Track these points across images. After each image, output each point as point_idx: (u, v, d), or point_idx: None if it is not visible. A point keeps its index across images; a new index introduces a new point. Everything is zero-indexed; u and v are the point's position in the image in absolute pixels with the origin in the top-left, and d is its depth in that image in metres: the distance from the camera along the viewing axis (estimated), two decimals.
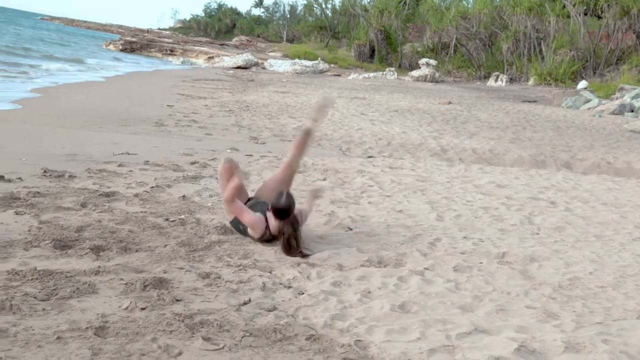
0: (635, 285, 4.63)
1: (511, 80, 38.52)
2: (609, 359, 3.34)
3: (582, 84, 30.19)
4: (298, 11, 69.21)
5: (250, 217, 4.98)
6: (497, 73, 39.24)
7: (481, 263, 4.97)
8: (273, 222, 4.96)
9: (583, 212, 7.13)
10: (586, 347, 3.48)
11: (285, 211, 4.91)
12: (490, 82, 38.24)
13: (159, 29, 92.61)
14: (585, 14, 39.05)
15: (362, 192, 7.34)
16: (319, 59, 42.75)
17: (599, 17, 38.81)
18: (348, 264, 4.71)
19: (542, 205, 7.34)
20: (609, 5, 36.35)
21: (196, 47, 48.34)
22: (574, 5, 37.80)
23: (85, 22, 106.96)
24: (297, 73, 36.92)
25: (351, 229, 5.71)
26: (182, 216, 5.55)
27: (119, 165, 7.46)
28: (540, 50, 38.97)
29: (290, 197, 4.99)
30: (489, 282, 4.56)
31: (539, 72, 36.75)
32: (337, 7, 57.94)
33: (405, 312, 3.91)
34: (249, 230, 5.04)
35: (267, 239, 5.04)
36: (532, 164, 11.12)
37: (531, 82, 36.94)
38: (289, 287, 4.18)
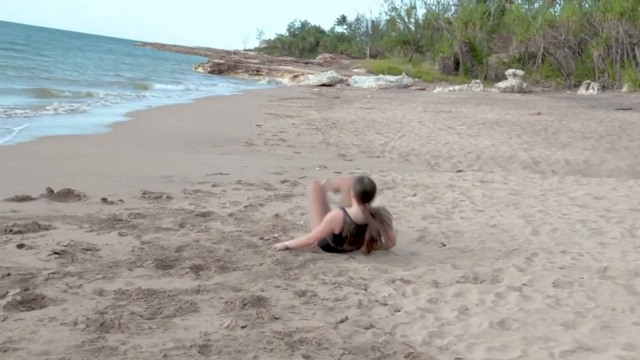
0: None
1: (603, 87, 37.24)
2: None
3: None
4: (381, 26, 69.32)
5: (327, 216, 5.23)
6: (587, 81, 38.04)
7: (582, 278, 4.82)
8: (356, 210, 5.20)
9: None
10: None
11: (369, 193, 5.19)
12: (581, 91, 37.09)
13: (245, 49, 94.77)
14: None
15: (453, 207, 7.26)
16: (403, 73, 42.66)
17: None
18: (443, 281, 4.66)
19: None
20: None
21: (281, 67, 49.19)
22: None
23: (175, 46, 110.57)
24: (381, 88, 36.96)
25: (445, 245, 5.66)
26: (276, 235, 5.64)
27: (213, 186, 7.67)
28: (635, 56, 37.53)
29: (372, 180, 5.34)
30: (592, 297, 4.42)
31: (634, 79, 35.38)
32: (420, 21, 57.72)
33: (505, 329, 3.83)
34: (330, 233, 5.19)
35: (352, 231, 5.15)
36: (631, 174, 10.71)
37: (625, 89, 35.60)
38: (385, 304, 4.18)
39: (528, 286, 4.61)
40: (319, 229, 5.25)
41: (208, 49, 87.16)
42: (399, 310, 4.06)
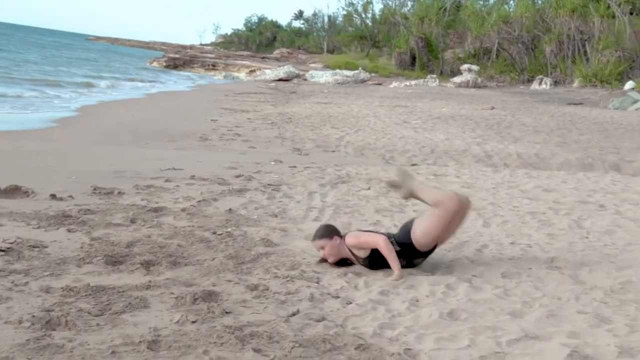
0: None
1: (555, 83, 37.97)
2: None
3: (630, 84, 29.56)
4: (338, 21, 69.45)
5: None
6: (540, 76, 38.74)
7: (530, 269, 4.91)
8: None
9: (634, 214, 6.99)
10: None
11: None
12: (534, 86, 37.75)
13: (201, 44, 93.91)
14: (631, 13, 38.36)
15: (407, 201, 7.30)
16: (360, 68, 42.81)
17: None
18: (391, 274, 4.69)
19: (591, 209, 7.22)
20: None
21: (238, 61, 48.92)
22: (619, 5, 37.16)
23: (129, 40, 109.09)
24: (338, 83, 37.04)
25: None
26: (229, 229, 5.62)
27: (166, 181, 7.60)
28: (585, 52, 38.35)
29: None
30: (539, 287, 4.50)
31: (584, 74, 36.18)
32: (377, 16, 57.98)
33: (454, 320, 3.88)
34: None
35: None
36: (580, 167, 10.94)
37: (576, 84, 36.36)
38: (337, 297, 4.20)
39: (478, 277, 4.68)
40: (367, 239, 4.76)
41: (163, 44, 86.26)
42: (351, 303, 4.08)
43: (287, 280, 4.43)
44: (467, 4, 49.16)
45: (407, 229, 4.87)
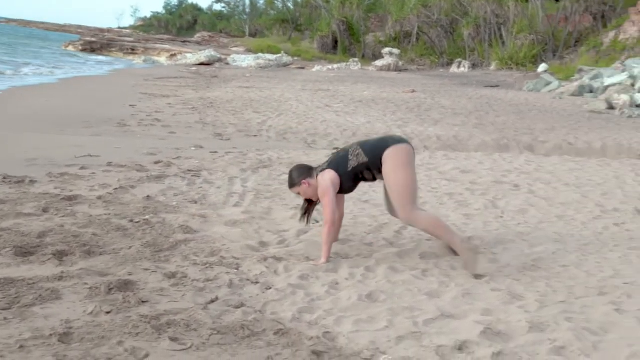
0: (596, 262, 4.72)
1: (473, 66, 38.87)
2: (572, 336, 3.39)
3: (543, 67, 30.59)
4: (259, 5, 68.91)
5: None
6: (459, 59, 39.56)
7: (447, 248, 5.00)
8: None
9: (546, 193, 7.23)
10: (550, 326, 3.54)
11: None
12: (453, 69, 38.53)
13: (119, 27, 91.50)
14: None
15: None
16: (283, 52, 42.66)
17: (557, 1, 39.30)
18: (315, 257, 4.71)
19: (506, 189, 7.42)
20: None
21: (158, 45, 47.92)
22: None
23: (43, 23, 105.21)
24: (260, 67, 36.80)
25: (317, 222, 5.71)
26: (147, 217, 5.51)
27: (81, 168, 7.37)
28: (501, 35, 39.37)
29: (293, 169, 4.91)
30: (455, 267, 4.60)
31: (501, 57, 37.16)
32: (299, 0, 57.79)
33: (373, 302, 3.93)
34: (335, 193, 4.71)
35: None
36: (496, 149, 11.23)
37: (493, 67, 37.32)
38: (257, 282, 4.18)
39: (397, 258, 4.75)
40: (324, 204, 4.65)
41: (80, 27, 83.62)
42: (270, 288, 4.07)
43: (206, 267, 4.37)
44: None
45: (378, 152, 4.65)
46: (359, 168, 4.70)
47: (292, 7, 59.04)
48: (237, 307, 3.72)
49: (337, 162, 4.74)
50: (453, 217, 6.06)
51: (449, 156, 9.82)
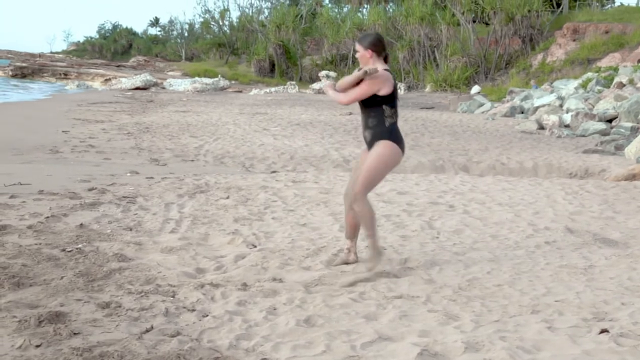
0: (529, 281, 4.82)
1: (409, 88, 39.50)
2: (506, 355, 3.45)
3: (475, 88, 31.34)
4: (196, 29, 68.63)
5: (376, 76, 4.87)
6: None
7: (384, 271, 5.04)
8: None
9: (480, 213, 7.37)
10: (485, 346, 3.59)
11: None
12: None
13: (52, 52, 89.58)
14: (474, 21, 40.63)
15: (265, 208, 7.32)
16: (220, 76, 42.50)
17: (487, 24, 40.42)
18: (252, 282, 4.68)
19: (442, 210, 7.53)
20: (494, 12, 37.95)
21: (92, 70, 47.11)
22: (462, 14, 39.29)
23: None
24: (197, 91, 36.57)
25: (255, 247, 5.69)
26: (80, 245, 5.38)
27: (11, 197, 7.16)
28: (435, 58, 40.21)
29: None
30: (393, 289, 4.64)
31: (435, 79, 37.90)
32: (235, 24, 57.80)
33: (310, 326, 3.92)
34: (371, 94, 4.91)
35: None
36: (432, 169, 11.42)
37: (428, 89, 38.03)
38: (193, 310, 4.12)
39: (336, 281, 4.75)
40: (360, 89, 4.85)
41: (10, 52, 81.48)
42: (207, 315, 4.02)
43: (141, 296, 4.29)
44: (322, 11, 50.10)
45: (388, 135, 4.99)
46: (386, 110, 4.96)
47: (228, 31, 58.97)
48: (172, 336, 3.66)
49: (395, 91, 4.99)
50: (390, 238, 6.11)
51: (385, 178, 9.88)
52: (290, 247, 5.71)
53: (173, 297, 4.33)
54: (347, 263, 5.23)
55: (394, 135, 4.99)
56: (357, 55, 5.06)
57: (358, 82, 4.92)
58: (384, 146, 4.95)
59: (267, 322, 3.95)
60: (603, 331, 3.75)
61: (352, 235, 5.28)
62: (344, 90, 5.02)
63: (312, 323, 3.97)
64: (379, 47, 5.01)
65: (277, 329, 3.84)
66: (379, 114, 4.96)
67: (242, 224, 6.56)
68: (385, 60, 5.07)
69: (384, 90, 4.89)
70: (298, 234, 6.21)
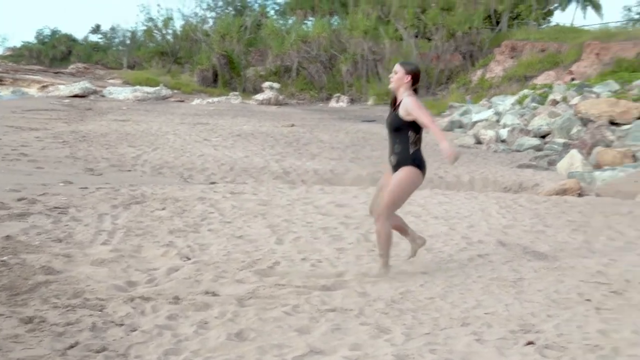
0: (460, 294, 4.88)
1: (352, 100, 39.80)
2: None
3: None
4: (138, 36, 67.69)
5: (415, 104, 5.18)
6: (338, 94, 40.42)
7: (319, 283, 5.03)
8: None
9: (416, 226, 7.40)
10: (415, 359, 3.62)
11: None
12: (332, 103, 39.30)
13: None
14: (416, 37, 41.28)
15: (202, 220, 7.24)
16: (161, 85, 41.99)
17: (429, 40, 41.12)
18: (185, 296, 4.61)
19: None
20: (437, 28, 38.69)
21: (28, 76, 45.91)
22: (405, 29, 39.90)
23: None
24: (138, 100, 36.01)
25: (189, 259, 5.61)
26: (5, 258, 5.20)
27: None
28: (378, 72, 40.64)
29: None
30: (326, 302, 4.63)
31: (378, 93, 38.28)
32: (178, 33, 57.23)
33: (242, 340, 3.88)
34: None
35: None
36: (371, 182, 11.47)
37: (370, 102, 38.39)
38: (121, 324, 4.02)
39: (270, 294, 4.72)
40: (420, 114, 5.14)
41: None
42: (136, 330, 3.94)
43: (68, 310, 4.17)
44: (267, 22, 50.10)
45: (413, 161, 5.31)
46: (411, 137, 5.29)
47: (171, 39, 58.36)
48: (98, 352, 3.57)
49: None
50: (327, 251, 6.11)
51: (325, 190, 9.93)
52: (225, 259, 5.65)
53: (101, 311, 4.23)
54: (418, 248, 5.69)
55: (417, 161, 5.31)
56: (394, 76, 5.34)
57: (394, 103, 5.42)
58: (407, 172, 5.27)
59: (198, 337, 3.89)
60: (529, 343, 3.83)
61: (405, 233, 5.65)
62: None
63: (244, 337, 3.93)
64: (417, 78, 5.37)
65: (208, 344, 3.79)
66: (405, 140, 5.29)
67: (177, 235, 6.46)
68: (415, 92, 5.35)
69: (421, 112, 5.19)
70: (234, 246, 6.15)
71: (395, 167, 5.34)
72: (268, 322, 4.17)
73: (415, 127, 5.24)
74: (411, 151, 5.28)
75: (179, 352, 3.65)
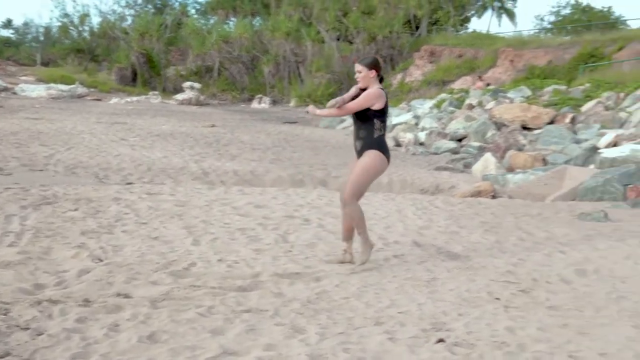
0: (375, 293, 4.94)
1: (274, 102, 39.81)
2: None
3: None
4: (53, 33, 65.61)
5: (369, 92, 5.51)
6: (260, 95, 40.34)
7: (235, 284, 5.00)
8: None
9: (334, 227, 7.47)
10: (328, 358, 3.63)
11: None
12: (254, 104, 39.19)
13: None
14: (338, 40, 41.68)
15: (116, 221, 7.07)
16: (77, 83, 40.83)
17: (351, 43, 41.59)
18: (95, 298, 4.49)
19: (297, 223, 7.59)
20: (358, 32, 39.15)
21: None
22: (327, 31, 40.19)
23: None
24: (52, 98, 34.90)
25: (101, 261, 5.47)
26: None
27: None
28: (300, 74, 40.80)
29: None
30: (242, 303, 4.60)
31: (299, 94, 38.43)
32: (95, 30, 55.77)
33: (154, 343, 3.80)
34: (364, 108, 5.51)
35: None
36: (291, 183, 11.51)
37: (292, 103, 38.49)
38: (27, 328, 3.88)
39: (185, 295, 4.65)
40: (357, 102, 5.45)
41: None
42: (42, 334, 3.80)
43: None
44: (187, 22, 49.48)
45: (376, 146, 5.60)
46: (377, 124, 5.55)
47: (88, 36, 56.83)
48: (1, 357, 3.42)
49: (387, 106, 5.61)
50: (243, 252, 6.07)
51: (244, 191, 9.88)
52: (140, 261, 5.54)
53: (5, 315, 4.06)
54: (342, 262, 5.77)
55: (381, 146, 5.59)
56: (360, 75, 5.59)
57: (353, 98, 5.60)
58: (371, 156, 5.54)
59: (108, 340, 3.79)
60: (439, 341, 3.91)
61: (348, 237, 5.82)
62: (340, 105, 5.53)
63: (156, 339, 3.85)
64: (379, 67, 5.65)
65: (118, 347, 3.70)
66: (370, 126, 5.54)
67: (89, 237, 6.29)
68: (380, 81, 5.65)
69: (377, 105, 5.49)
70: (149, 247, 6.04)
71: (360, 152, 5.60)
72: (181, 324, 4.11)
73: (380, 115, 5.52)
74: (375, 136, 5.54)
75: (87, 355, 3.55)
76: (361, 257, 5.70)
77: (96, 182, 10.12)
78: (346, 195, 5.58)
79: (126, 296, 4.60)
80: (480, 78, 31.65)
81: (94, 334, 3.87)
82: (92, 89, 41.86)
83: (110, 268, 5.23)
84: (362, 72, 5.58)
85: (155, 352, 3.64)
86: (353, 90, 5.68)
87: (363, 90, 5.61)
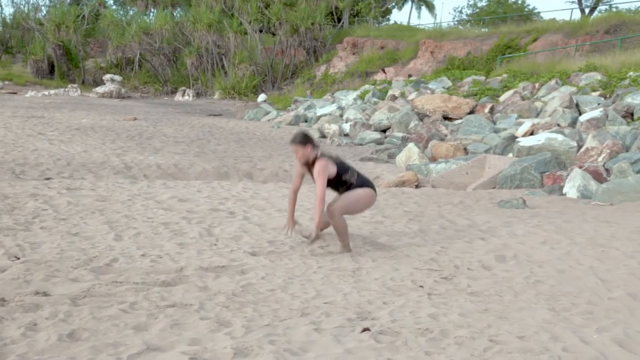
0: (301, 284, 4.96)
1: (198, 94, 39.32)
2: (273, 358, 3.51)
3: (262, 97, 31.92)
4: None
5: (317, 168, 5.83)
6: (183, 88, 39.75)
7: (159, 279, 4.92)
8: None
9: (259, 219, 7.47)
10: (254, 350, 3.62)
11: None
12: (178, 97, 38.62)
13: None
14: (261, 31, 41.48)
15: (34, 218, 6.85)
16: None
17: (274, 35, 41.45)
18: (11, 297, 4.34)
19: (222, 216, 7.54)
20: (280, 23, 39.04)
21: None
22: (249, 23, 39.92)
23: None
24: None
25: (18, 258, 5.29)
26: None
27: None
28: (223, 66, 40.40)
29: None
30: (166, 297, 4.53)
31: (223, 87, 38.08)
32: (8, 21, 53.69)
33: (74, 341, 3.70)
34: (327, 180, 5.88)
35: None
36: (216, 176, 11.41)
37: (217, 96, 38.11)
38: None
39: (107, 292, 4.55)
40: (319, 189, 5.75)
41: None
42: None
43: None
44: (106, 13, 48.21)
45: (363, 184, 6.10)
46: (344, 182, 5.97)
47: (0, 27, 54.73)
48: None
49: (339, 164, 5.98)
50: (167, 246, 5.99)
51: (167, 185, 9.73)
52: (59, 258, 5.38)
53: None
54: (306, 237, 6.16)
55: (368, 184, 6.09)
56: (298, 155, 5.88)
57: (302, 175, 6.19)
58: (367, 191, 6.03)
59: (25, 339, 3.67)
60: (365, 330, 3.95)
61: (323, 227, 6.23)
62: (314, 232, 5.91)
63: (76, 337, 3.75)
64: (311, 140, 5.88)
65: (36, 346, 3.59)
66: (343, 184, 5.96)
67: (5, 234, 6.07)
68: (316, 147, 5.95)
69: (331, 172, 5.86)
70: (68, 244, 5.87)
71: None
72: (103, 321, 4.02)
73: (341, 172, 5.94)
74: (355, 182, 5.99)
75: (3, 356, 3.42)
76: (339, 251, 6.05)
77: (12, 178, 9.76)
78: (333, 208, 5.91)
79: (45, 294, 4.46)
80: (383, 71, 32.24)
81: (10, 333, 3.75)
82: (6, 82, 40.46)
83: (27, 266, 5.06)
84: (299, 152, 5.86)
85: (75, 351, 3.54)
86: (299, 169, 6.09)
87: (306, 164, 5.93)
